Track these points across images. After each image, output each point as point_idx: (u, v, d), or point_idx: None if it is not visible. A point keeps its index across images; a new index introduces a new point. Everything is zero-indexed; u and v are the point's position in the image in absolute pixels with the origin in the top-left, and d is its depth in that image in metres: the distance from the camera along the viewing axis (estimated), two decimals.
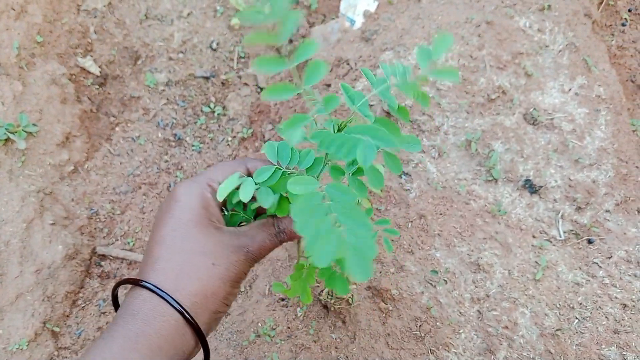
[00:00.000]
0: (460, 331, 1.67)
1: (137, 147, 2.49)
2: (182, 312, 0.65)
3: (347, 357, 1.68)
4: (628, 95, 2.37)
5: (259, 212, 0.83)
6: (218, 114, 2.58)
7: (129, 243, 2.28)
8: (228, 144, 2.53)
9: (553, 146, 1.95)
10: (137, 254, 2.24)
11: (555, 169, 1.92)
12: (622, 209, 1.90)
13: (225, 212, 0.82)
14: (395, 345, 1.67)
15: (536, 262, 1.77)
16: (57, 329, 2.01)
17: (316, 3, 2.67)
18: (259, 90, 2.66)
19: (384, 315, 1.73)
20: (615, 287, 1.71)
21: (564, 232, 1.84)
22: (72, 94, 2.38)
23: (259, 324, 1.82)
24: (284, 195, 0.75)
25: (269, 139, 2.58)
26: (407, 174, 1.95)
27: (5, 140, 2.08)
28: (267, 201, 0.69)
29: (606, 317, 1.65)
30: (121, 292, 0.74)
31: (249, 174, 0.77)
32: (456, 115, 2.00)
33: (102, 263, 2.24)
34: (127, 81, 2.59)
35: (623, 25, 2.47)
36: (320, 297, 1.75)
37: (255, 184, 0.71)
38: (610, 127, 2.00)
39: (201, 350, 0.71)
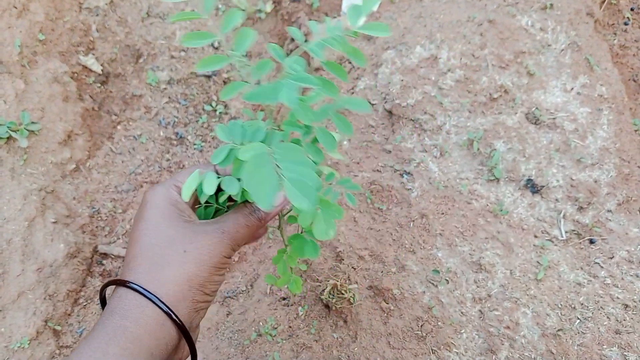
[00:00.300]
0: (462, 331, 1.67)
1: (139, 145, 2.49)
2: (152, 299, 0.65)
3: (348, 356, 1.68)
4: (630, 95, 2.36)
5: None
6: (220, 113, 2.58)
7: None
8: None
9: (555, 146, 1.95)
10: None
11: (557, 168, 1.92)
12: (624, 209, 1.90)
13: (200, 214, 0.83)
14: (396, 345, 1.67)
15: (538, 262, 1.77)
16: (58, 328, 2.01)
17: (318, 1, 2.66)
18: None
19: (385, 314, 1.73)
20: (617, 287, 1.71)
21: (566, 232, 1.84)
22: (74, 92, 2.38)
23: (261, 323, 1.82)
24: None
25: None
26: (408, 173, 1.94)
27: (7, 138, 2.08)
28: (233, 188, 0.70)
29: (608, 318, 1.65)
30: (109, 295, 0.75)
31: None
32: (458, 115, 2.00)
33: (104, 261, 2.24)
34: (129, 79, 2.59)
35: (625, 24, 2.46)
36: (322, 297, 1.75)
37: (217, 177, 0.72)
38: (613, 126, 2.00)
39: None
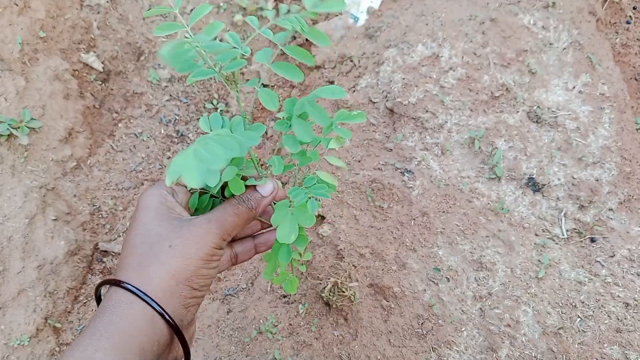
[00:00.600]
0: (463, 329, 1.67)
1: (140, 143, 2.49)
2: (138, 294, 0.65)
3: (348, 354, 1.68)
4: (632, 93, 2.36)
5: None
6: (221, 111, 2.58)
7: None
8: None
9: (557, 144, 1.95)
10: None
11: (559, 167, 1.91)
12: (626, 208, 1.89)
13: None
14: (397, 343, 1.67)
15: (539, 261, 1.76)
16: (58, 325, 2.01)
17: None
18: (262, 86, 2.65)
19: (386, 312, 1.72)
20: (618, 285, 1.70)
21: (567, 231, 1.83)
22: (75, 90, 2.38)
23: (261, 321, 1.82)
24: (238, 174, 0.77)
25: (271, 136, 2.57)
26: (410, 171, 1.94)
27: (8, 135, 2.08)
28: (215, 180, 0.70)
29: (608, 316, 1.64)
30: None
31: None
32: (460, 113, 2.00)
33: (104, 259, 2.24)
34: (130, 77, 2.59)
35: (628, 22, 2.46)
36: (323, 295, 1.75)
37: None
38: (614, 125, 1.99)
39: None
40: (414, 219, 1.85)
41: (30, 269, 1.96)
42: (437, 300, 1.71)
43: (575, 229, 1.84)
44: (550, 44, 2.10)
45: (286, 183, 2.21)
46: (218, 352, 1.81)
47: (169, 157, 2.48)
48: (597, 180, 1.89)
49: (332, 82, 2.37)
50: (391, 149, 2.03)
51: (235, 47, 0.72)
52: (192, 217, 0.74)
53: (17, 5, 2.25)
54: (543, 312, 1.67)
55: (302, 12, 0.70)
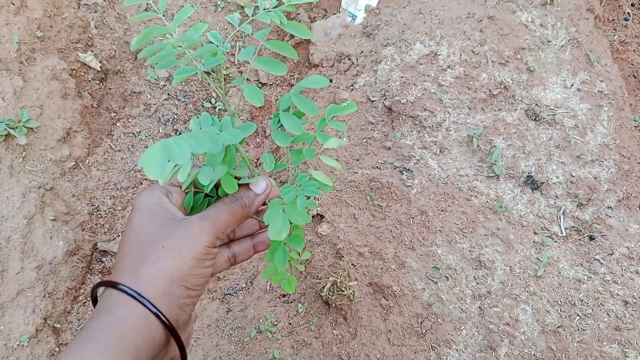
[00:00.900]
0: (462, 328, 1.67)
1: (138, 142, 2.49)
2: (133, 295, 0.65)
3: (348, 353, 1.68)
4: (630, 91, 2.36)
5: None
6: (219, 109, 2.58)
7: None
8: None
9: (555, 142, 1.95)
10: None
11: (557, 165, 1.91)
12: (624, 205, 1.90)
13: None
14: (396, 342, 1.67)
15: (537, 259, 1.77)
16: (58, 325, 2.01)
17: None
18: (260, 85, 2.65)
19: (385, 311, 1.73)
20: (617, 283, 1.71)
21: (566, 229, 1.84)
22: (72, 89, 2.37)
23: (260, 320, 1.82)
24: (230, 173, 0.77)
25: (269, 135, 2.57)
26: (408, 170, 1.94)
27: (6, 135, 2.08)
28: (206, 178, 0.70)
29: (607, 314, 1.65)
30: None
31: None
32: (458, 111, 2.00)
33: (104, 259, 2.24)
34: (128, 76, 2.58)
35: (626, 19, 2.45)
36: (322, 294, 1.75)
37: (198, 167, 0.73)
38: (613, 122, 1.99)
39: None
40: (413, 218, 1.85)
41: (29, 269, 1.96)
42: (436, 299, 1.72)
43: (574, 227, 1.84)
44: (548, 41, 2.10)
45: (285, 182, 2.21)
46: (218, 352, 1.81)
47: None
48: (595, 178, 1.89)
49: (330, 81, 2.36)
50: (390, 148, 2.03)
51: (212, 43, 0.73)
52: (186, 217, 0.74)
53: (13, 4, 2.24)
54: (542, 310, 1.67)
55: (280, 6, 0.71)
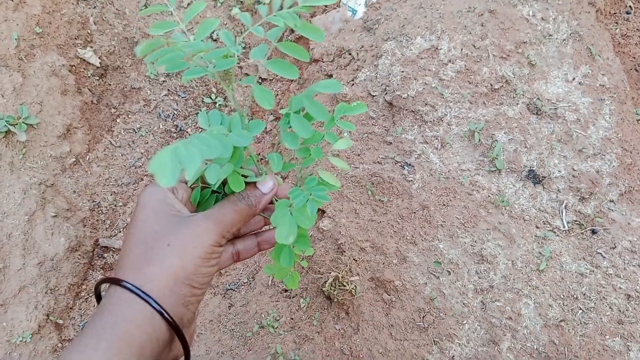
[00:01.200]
0: (464, 322, 1.67)
1: (139, 138, 2.48)
2: (138, 293, 0.65)
3: (350, 348, 1.68)
4: (632, 84, 2.35)
5: None
6: (219, 105, 2.57)
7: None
8: None
9: (557, 136, 1.94)
10: None
11: (559, 159, 1.91)
12: (627, 199, 1.89)
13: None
14: (398, 336, 1.67)
15: (540, 253, 1.76)
16: (60, 321, 2.01)
17: None
18: (260, 80, 2.64)
19: (387, 306, 1.73)
20: (619, 277, 1.71)
21: (568, 223, 1.83)
22: (72, 86, 2.37)
23: (263, 315, 1.82)
24: (237, 171, 0.76)
25: (270, 130, 2.57)
26: (409, 164, 1.94)
27: (6, 132, 2.07)
28: (213, 177, 0.69)
29: (610, 308, 1.65)
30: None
31: None
32: (459, 106, 1.99)
33: (105, 255, 2.24)
34: (127, 72, 2.58)
35: (628, 13, 2.45)
36: (324, 289, 1.75)
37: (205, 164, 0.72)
38: (615, 116, 1.99)
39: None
40: (414, 213, 1.85)
41: (30, 265, 1.96)
42: (438, 293, 1.72)
43: (576, 220, 1.84)
44: (550, 35, 2.09)
45: (286, 177, 2.21)
46: (220, 347, 1.81)
47: None
48: (597, 171, 1.89)
49: (330, 76, 2.36)
50: (391, 143, 2.03)
51: (221, 45, 0.71)
52: (191, 214, 0.73)
53: (12, 0, 2.23)
54: (544, 304, 1.67)
55: (294, 6, 0.69)
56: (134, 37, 2.56)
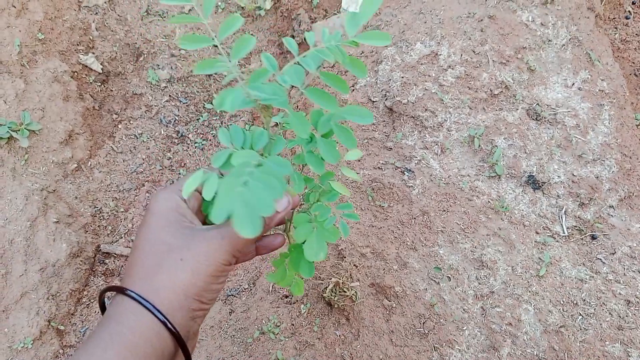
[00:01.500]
0: (464, 328, 1.67)
1: (140, 144, 2.49)
2: (147, 306, 0.64)
3: (351, 354, 1.69)
4: (632, 89, 2.35)
5: None
6: (220, 111, 2.58)
7: (132, 240, 2.29)
8: None
9: (556, 141, 1.95)
10: None
11: (559, 164, 1.91)
12: (626, 205, 1.90)
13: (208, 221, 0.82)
14: (399, 342, 1.68)
15: (539, 259, 1.77)
16: (62, 327, 2.02)
17: None
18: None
19: (387, 312, 1.73)
20: (619, 283, 1.71)
21: (568, 228, 1.84)
22: (74, 92, 2.38)
23: (263, 321, 1.82)
24: None
25: (274, 125, 2.57)
26: (410, 170, 1.94)
27: (8, 138, 2.09)
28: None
29: (610, 314, 1.65)
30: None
31: None
32: (459, 111, 2.00)
33: (107, 261, 2.25)
34: (129, 78, 2.59)
35: (627, 18, 2.45)
36: (324, 295, 1.75)
37: (220, 177, 0.71)
38: (614, 121, 1.99)
39: None
40: (415, 218, 1.85)
41: (32, 271, 1.97)
42: (438, 299, 1.72)
43: (575, 226, 1.84)
44: (549, 40, 2.10)
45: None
46: (221, 353, 1.81)
47: (169, 158, 2.48)
48: (597, 177, 1.89)
49: None
50: (391, 148, 2.03)
51: (280, 84, 0.68)
52: (204, 228, 0.73)
53: (14, 7, 2.24)
54: (544, 310, 1.67)
55: (343, 40, 0.67)
56: (136, 43, 2.57)
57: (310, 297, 1.84)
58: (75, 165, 2.32)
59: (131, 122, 2.54)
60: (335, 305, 1.75)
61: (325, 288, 1.75)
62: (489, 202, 1.88)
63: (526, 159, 1.92)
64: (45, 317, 1.94)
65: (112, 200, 2.35)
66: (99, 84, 2.54)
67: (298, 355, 1.73)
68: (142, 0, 2.61)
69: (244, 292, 2.02)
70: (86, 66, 2.50)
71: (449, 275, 1.76)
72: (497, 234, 1.81)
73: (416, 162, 1.96)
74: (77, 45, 2.48)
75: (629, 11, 2.46)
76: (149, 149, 2.49)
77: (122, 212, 2.36)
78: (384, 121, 2.11)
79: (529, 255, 1.78)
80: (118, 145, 2.48)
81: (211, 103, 2.59)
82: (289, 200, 0.80)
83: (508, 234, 1.81)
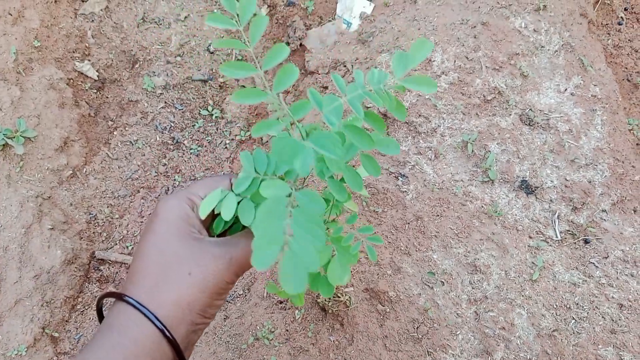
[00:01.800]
0: (458, 332, 1.67)
1: (136, 150, 2.50)
2: (151, 318, 0.64)
3: (345, 359, 1.69)
4: (624, 94, 2.37)
5: None
6: (216, 117, 2.59)
7: (127, 247, 2.29)
8: (226, 147, 2.54)
9: (549, 146, 1.96)
10: None
11: (552, 169, 1.92)
12: (619, 209, 1.90)
13: (213, 231, 0.81)
14: (392, 347, 1.68)
15: (533, 263, 1.77)
16: (56, 334, 2.02)
17: (313, 5, 2.67)
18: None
19: (381, 317, 1.73)
20: (612, 287, 1.71)
21: (561, 233, 1.84)
22: (70, 99, 2.39)
23: (258, 327, 1.82)
24: None
25: (267, 142, 2.58)
26: (403, 175, 1.95)
27: (3, 145, 2.09)
28: (249, 217, 0.67)
29: (603, 317, 1.65)
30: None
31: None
32: (452, 117, 2.01)
33: (101, 267, 2.25)
34: (125, 85, 2.60)
35: (619, 24, 2.47)
36: (318, 300, 1.75)
37: (237, 196, 0.70)
38: (607, 126, 2.01)
39: None
40: (409, 223, 1.86)
41: (27, 278, 1.97)
42: (432, 304, 1.72)
43: (568, 230, 1.85)
44: (542, 46, 2.11)
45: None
46: (215, 359, 1.81)
47: (164, 164, 2.48)
48: (590, 181, 1.90)
49: (326, 88, 2.38)
50: (385, 154, 2.04)
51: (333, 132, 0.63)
52: (212, 242, 0.72)
53: (11, 15, 2.25)
54: (537, 314, 1.68)
55: (390, 83, 0.65)
56: (132, 50, 2.59)
57: (304, 303, 1.84)
58: (71, 172, 2.33)
59: (127, 128, 2.54)
60: (330, 311, 1.75)
61: (319, 294, 1.75)
62: (482, 207, 1.88)
63: (519, 164, 1.93)
64: (40, 324, 1.94)
65: (107, 207, 2.35)
66: (95, 91, 2.55)
67: None
68: (139, 8, 2.63)
69: (238, 298, 2.02)
70: (82, 73, 2.51)
71: (443, 280, 1.76)
72: (491, 239, 1.81)
73: (410, 167, 1.97)
74: (73, 52, 2.49)
75: (622, 17, 2.48)
76: (144, 155, 2.49)
77: (117, 218, 2.36)
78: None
79: (522, 259, 1.78)
80: (113, 152, 2.49)
81: (207, 109, 2.59)
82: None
83: (501, 238, 1.81)
